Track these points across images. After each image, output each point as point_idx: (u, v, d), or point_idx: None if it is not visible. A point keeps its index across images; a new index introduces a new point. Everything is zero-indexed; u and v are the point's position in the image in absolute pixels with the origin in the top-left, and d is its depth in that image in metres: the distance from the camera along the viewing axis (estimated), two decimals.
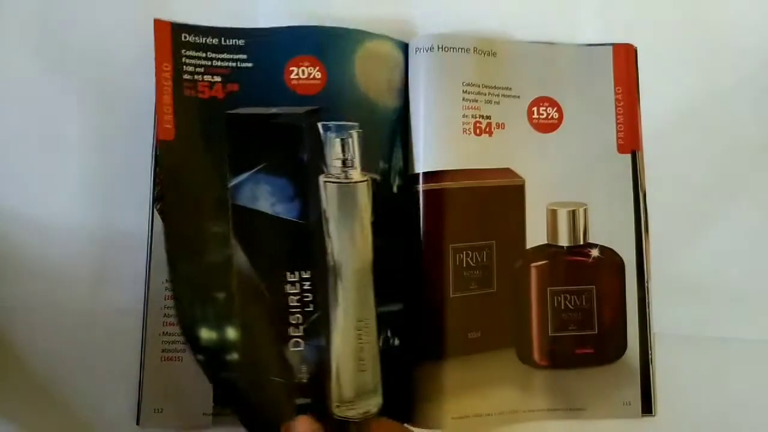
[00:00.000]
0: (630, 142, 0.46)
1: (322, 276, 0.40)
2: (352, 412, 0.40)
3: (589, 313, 0.44)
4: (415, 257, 0.43)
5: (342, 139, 0.41)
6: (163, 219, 0.42)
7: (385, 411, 0.41)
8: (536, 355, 0.44)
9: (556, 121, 0.46)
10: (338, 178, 0.40)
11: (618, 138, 0.46)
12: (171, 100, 0.41)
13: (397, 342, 0.43)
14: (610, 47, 0.47)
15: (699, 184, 0.47)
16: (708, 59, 0.48)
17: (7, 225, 0.44)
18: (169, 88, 0.42)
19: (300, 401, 0.39)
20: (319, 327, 0.40)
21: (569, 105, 0.46)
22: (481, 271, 0.44)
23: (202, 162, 0.41)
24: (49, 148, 0.44)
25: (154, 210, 0.43)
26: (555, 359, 0.44)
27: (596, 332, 0.44)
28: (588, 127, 0.46)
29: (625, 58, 0.47)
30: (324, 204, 0.40)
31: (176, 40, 0.42)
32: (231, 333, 0.39)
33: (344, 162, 0.41)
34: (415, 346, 0.43)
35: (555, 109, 0.46)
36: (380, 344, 0.41)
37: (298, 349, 0.40)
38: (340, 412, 0.40)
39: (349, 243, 0.40)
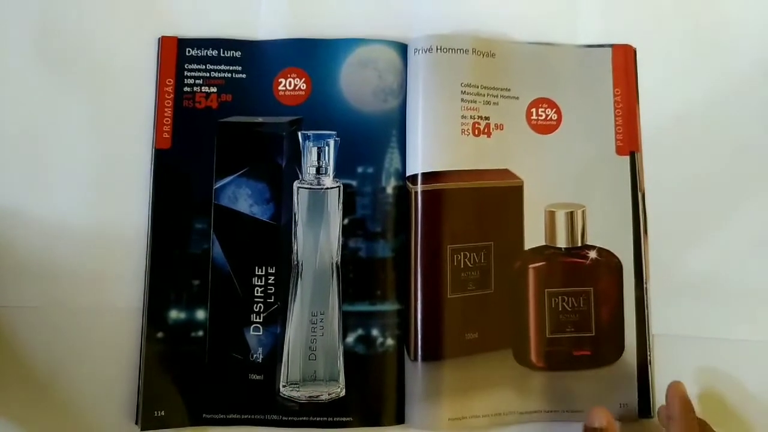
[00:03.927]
0: (629, 143, 0.46)
1: (286, 272, 0.44)
2: (297, 394, 0.43)
3: (587, 314, 0.44)
4: (413, 257, 0.43)
5: (318, 148, 0.44)
6: (153, 215, 0.44)
7: (352, 405, 0.43)
8: (533, 357, 0.44)
9: (554, 123, 0.46)
10: (311, 184, 0.44)
11: (617, 139, 0.46)
12: (171, 113, 0.44)
13: (389, 342, 0.43)
14: (609, 48, 0.47)
15: (698, 186, 0.47)
16: (707, 60, 0.48)
17: (8, 225, 0.44)
18: (170, 101, 0.45)
19: (253, 377, 0.43)
20: (277, 316, 0.43)
21: (568, 106, 0.46)
22: (478, 272, 0.44)
23: (194, 167, 0.44)
24: (50, 148, 0.45)
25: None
26: (552, 361, 0.44)
27: (594, 334, 0.44)
28: (587, 128, 0.46)
29: (624, 59, 0.47)
30: (295, 208, 0.44)
31: (181, 55, 0.45)
32: (200, 314, 0.43)
33: (318, 169, 0.44)
34: (412, 347, 0.43)
35: (554, 110, 0.46)
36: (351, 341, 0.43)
37: (257, 333, 0.43)
38: (286, 391, 0.43)
39: (313, 245, 0.44)
